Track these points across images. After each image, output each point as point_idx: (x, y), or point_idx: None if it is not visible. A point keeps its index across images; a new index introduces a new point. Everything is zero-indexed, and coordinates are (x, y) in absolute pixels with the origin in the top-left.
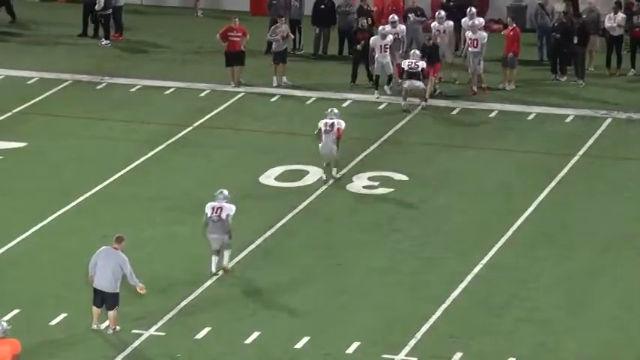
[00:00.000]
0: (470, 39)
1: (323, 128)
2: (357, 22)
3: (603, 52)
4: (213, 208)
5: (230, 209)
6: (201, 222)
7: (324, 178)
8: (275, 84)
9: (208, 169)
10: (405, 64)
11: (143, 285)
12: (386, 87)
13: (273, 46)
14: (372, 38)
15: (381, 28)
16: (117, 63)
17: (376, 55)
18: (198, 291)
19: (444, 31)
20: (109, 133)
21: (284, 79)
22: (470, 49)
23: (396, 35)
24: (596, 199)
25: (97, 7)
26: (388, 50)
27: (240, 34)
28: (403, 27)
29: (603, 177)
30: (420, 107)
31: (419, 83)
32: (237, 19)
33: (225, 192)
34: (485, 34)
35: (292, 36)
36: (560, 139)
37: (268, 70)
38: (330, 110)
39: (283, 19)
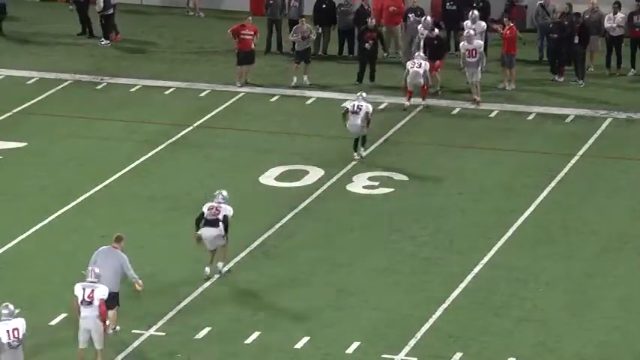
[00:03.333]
0: (467, 50)
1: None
2: (366, 22)
3: (603, 52)
4: (8, 333)
5: None
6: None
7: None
8: (294, 83)
9: (208, 169)
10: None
11: (141, 282)
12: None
13: (295, 45)
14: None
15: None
16: (117, 63)
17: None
18: (198, 291)
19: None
20: (109, 133)
21: (305, 78)
22: (468, 59)
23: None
24: (596, 199)
25: (97, 8)
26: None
27: (252, 33)
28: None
29: (603, 177)
30: (420, 107)
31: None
32: (249, 18)
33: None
34: (481, 42)
35: (314, 36)
36: (560, 139)
37: (268, 70)
38: (91, 269)
39: (304, 19)
